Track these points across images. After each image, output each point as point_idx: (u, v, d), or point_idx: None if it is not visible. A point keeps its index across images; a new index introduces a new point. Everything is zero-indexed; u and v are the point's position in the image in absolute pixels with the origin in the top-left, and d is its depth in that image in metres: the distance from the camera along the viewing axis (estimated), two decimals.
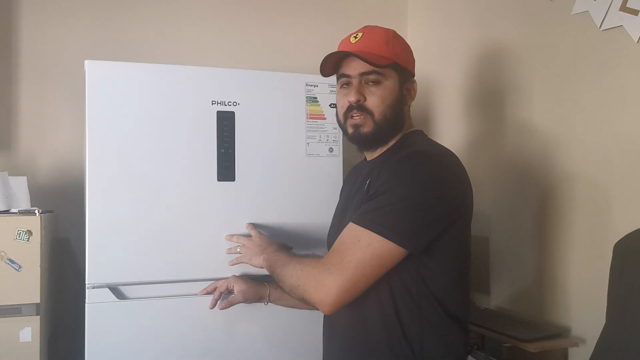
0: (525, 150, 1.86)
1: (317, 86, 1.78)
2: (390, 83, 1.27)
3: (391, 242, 1.13)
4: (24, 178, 1.80)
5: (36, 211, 1.65)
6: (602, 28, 1.58)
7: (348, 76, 1.30)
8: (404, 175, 1.17)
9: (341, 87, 1.34)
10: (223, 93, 1.67)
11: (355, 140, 1.31)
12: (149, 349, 1.60)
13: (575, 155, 1.68)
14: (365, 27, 1.32)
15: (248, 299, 1.57)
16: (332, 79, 1.78)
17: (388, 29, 1.32)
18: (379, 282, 1.18)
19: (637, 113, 1.51)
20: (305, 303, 1.24)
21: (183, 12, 2.31)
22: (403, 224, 1.14)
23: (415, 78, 1.37)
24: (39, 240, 1.62)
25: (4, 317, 1.59)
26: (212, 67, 1.72)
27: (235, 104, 1.68)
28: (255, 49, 2.39)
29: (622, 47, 1.53)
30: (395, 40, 1.30)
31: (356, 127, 1.28)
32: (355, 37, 1.29)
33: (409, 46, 1.36)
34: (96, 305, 1.56)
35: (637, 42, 1.49)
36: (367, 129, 1.27)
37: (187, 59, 2.23)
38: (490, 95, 2.02)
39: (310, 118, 1.77)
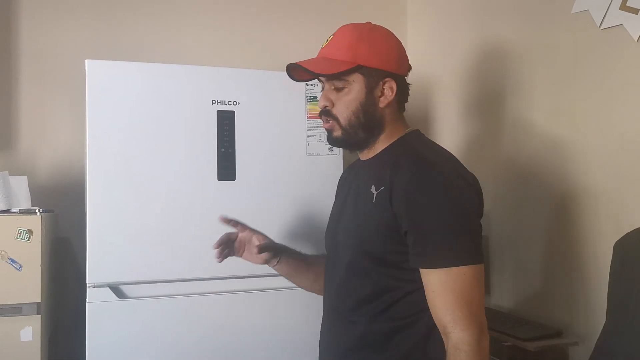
0: (524, 149, 1.86)
1: (317, 85, 1.77)
2: (354, 87, 1.23)
3: (472, 266, 1.12)
4: (25, 177, 1.80)
5: (37, 211, 1.65)
6: (602, 27, 1.58)
7: (321, 81, 1.29)
8: (435, 196, 1.14)
9: (322, 90, 1.31)
10: (223, 93, 1.68)
11: (330, 142, 1.30)
12: (150, 348, 1.60)
13: (576, 155, 1.68)
14: (340, 27, 1.27)
15: (266, 260, 1.44)
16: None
17: (363, 26, 1.26)
18: (398, 295, 1.19)
19: (636, 112, 1.51)
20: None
21: (183, 11, 2.31)
22: (466, 243, 1.13)
23: (401, 74, 1.28)
24: (40, 240, 1.63)
25: (5, 316, 1.59)
26: (212, 66, 1.73)
27: (235, 103, 1.69)
28: (256, 49, 2.39)
29: (622, 46, 1.54)
30: (361, 42, 1.23)
31: (328, 131, 1.28)
32: (327, 40, 1.27)
33: (385, 44, 1.26)
34: (97, 305, 1.57)
35: (637, 40, 1.49)
36: (336, 133, 1.26)
37: (188, 58, 2.23)
38: (490, 94, 2.02)
39: (310, 117, 1.77)
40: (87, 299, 1.57)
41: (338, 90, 1.24)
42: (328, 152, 1.79)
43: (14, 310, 1.60)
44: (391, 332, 1.20)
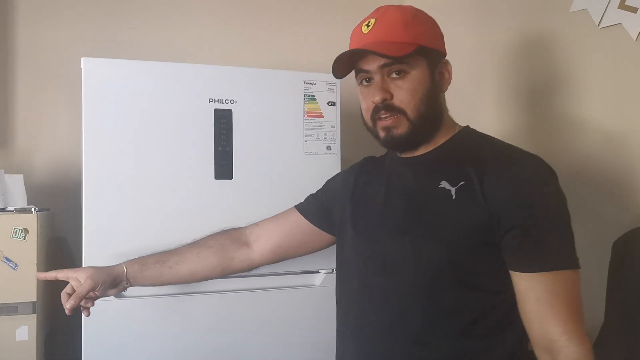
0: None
1: (315, 84, 1.77)
2: (418, 72, 1.07)
3: (577, 270, 1.01)
4: (21, 176, 1.79)
5: (32, 209, 1.64)
6: (601, 26, 1.57)
7: (367, 72, 1.11)
8: (546, 192, 1.02)
9: (361, 84, 1.14)
10: (220, 91, 1.67)
11: (391, 144, 1.13)
12: (146, 347, 1.59)
13: (578, 152, 1.67)
14: (378, 9, 1.12)
15: (99, 283, 1.26)
16: (331, 76, 1.78)
17: (405, 7, 1.12)
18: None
19: (635, 111, 1.50)
20: None
21: (180, 9, 2.30)
22: (571, 246, 1.02)
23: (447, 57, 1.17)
24: (36, 239, 1.62)
25: (0, 315, 1.58)
26: (209, 64, 1.71)
27: (232, 101, 1.68)
28: (253, 47, 2.38)
29: (621, 45, 1.53)
30: (415, 20, 1.09)
31: (388, 129, 1.09)
32: (368, 25, 1.10)
33: (433, 21, 1.14)
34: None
35: (636, 39, 1.49)
36: (401, 130, 1.08)
37: (185, 56, 2.22)
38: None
39: (308, 116, 1.76)
40: None
41: (396, 78, 1.08)
42: (326, 150, 1.78)
43: (10, 309, 1.59)
44: (476, 352, 1.04)
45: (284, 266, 1.72)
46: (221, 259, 1.37)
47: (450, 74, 1.14)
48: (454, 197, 1.04)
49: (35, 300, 1.61)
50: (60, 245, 2.08)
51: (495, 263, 1.03)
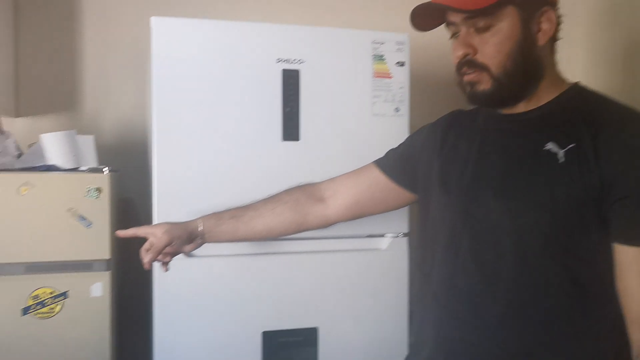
0: None
1: (384, 44, 1.71)
2: (506, 24, 0.99)
3: None
4: (91, 137, 1.82)
5: (105, 169, 1.67)
6: None
7: (453, 24, 1.04)
8: None
9: (451, 37, 1.07)
10: (288, 51, 1.63)
11: (475, 100, 1.06)
12: (216, 305, 1.61)
13: None
14: None
15: (175, 238, 1.28)
16: (400, 36, 1.72)
17: None
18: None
19: None
20: None
21: None
22: None
23: (556, 1, 1.04)
24: (108, 198, 1.65)
25: (76, 272, 1.63)
26: (278, 24, 1.68)
27: (300, 62, 1.64)
28: (322, 5, 2.33)
29: None
30: None
31: (471, 85, 1.03)
32: None
33: None
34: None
35: None
36: (484, 86, 1.02)
37: (253, 15, 2.20)
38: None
39: (377, 77, 1.71)
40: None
41: (481, 31, 1.00)
42: (394, 112, 1.73)
43: (85, 266, 1.64)
44: (581, 330, 0.99)
45: (349, 229, 1.71)
46: (296, 214, 1.34)
47: (553, 23, 1.02)
48: (561, 161, 0.97)
49: (109, 257, 1.65)
50: (127, 206, 2.12)
51: (597, 233, 0.96)
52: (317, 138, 1.67)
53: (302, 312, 1.68)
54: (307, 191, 1.37)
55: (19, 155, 1.77)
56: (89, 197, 1.63)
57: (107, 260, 1.65)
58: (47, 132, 1.74)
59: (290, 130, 1.65)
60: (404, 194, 1.30)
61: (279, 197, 1.36)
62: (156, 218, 1.58)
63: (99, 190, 1.64)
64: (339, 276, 1.71)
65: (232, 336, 1.63)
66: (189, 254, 1.54)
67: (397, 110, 1.73)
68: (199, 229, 1.32)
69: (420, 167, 1.23)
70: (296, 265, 1.67)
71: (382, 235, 1.75)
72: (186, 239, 1.30)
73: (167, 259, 1.31)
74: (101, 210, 1.64)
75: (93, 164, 1.77)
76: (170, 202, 1.58)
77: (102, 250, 1.64)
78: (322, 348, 1.70)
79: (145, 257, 1.26)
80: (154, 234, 1.28)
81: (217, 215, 1.35)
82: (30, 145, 1.82)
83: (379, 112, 1.72)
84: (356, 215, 1.36)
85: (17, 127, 2.09)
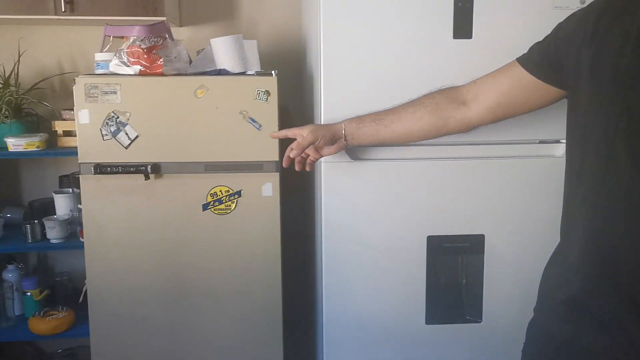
0: None
1: None
2: None
3: None
4: (254, 42, 1.83)
5: (273, 72, 1.69)
6: None
7: None
8: None
9: None
10: None
11: None
12: (382, 207, 1.62)
13: None
14: None
15: (319, 137, 1.40)
16: None
17: None
18: None
19: None
20: None
21: None
22: None
23: None
24: (276, 100, 1.68)
25: (248, 172, 1.70)
26: None
27: None
28: None
29: None
30: None
31: None
32: None
33: None
34: (331, 164, 1.59)
35: None
36: None
37: None
38: None
39: None
40: (322, 159, 1.60)
41: None
42: (579, 4, 1.55)
43: (256, 167, 1.70)
44: None
45: (521, 134, 1.61)
46: (436, 118, 1.33)
47: None
48: None
49: (278, 159, 1.70)
50: (282, 112, 2.16)
51: None
52: (492, 35, 1.55)
53: (468, 218, 1.64)
54: (448, 95, 1.34)
55: (189, 62, 1.83)
56: (258, 100, 1.67)
57: (276, 162, 1.70)
58: (207, 40, 1.78)
59: (462, 27, 1.54)
60: (551, 91, 1.17)
61: (420, 100, 1.36)
62: (323, 119, 1.58)
63: (267, 93, 1.67)
64: (508, 183, 1.63)
65: (397, 239, 1.64)
66: (355, 157, 1.55)
67: (582, 2, 1.55)
68: (342, 131, 1.41)
69: (568, 60, 1.08)
70: (464, 171, 1.62)
71: (557, 142, 1.63)
72: (329, 139, 1.42)
73: (311, 159, 1.45)
74: (270, 113, 1.68)
75: (257, 68, 1.80)
76: (336, 107, 1.57)
77: (272, 152, 1.69)
78: (487, 256, 1.67)
79: (290, 153, 1.43)
80: (300, 134, 1.43)
81: (359, 119, 1.42)
82: (198, 52, 1.88)
83: (562, 5, 1.55)
84: (500, 117, 1.29)
85: (181, 35, 2.16)
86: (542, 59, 1.17)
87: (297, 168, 1.50)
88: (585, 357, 1.01)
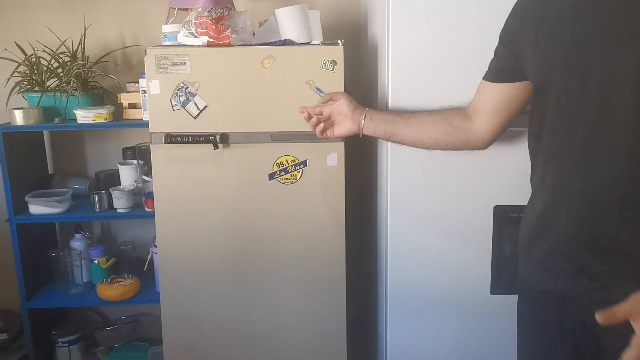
0: None
1: None
2: None
3: None
4: (317, 12, 1.82)
5: (339, 42, 1.68)
6: None
7: None
8: None
9: None
10: None
11: None
12: (448, 176, 1.61)
13: None
14: None
15: (349, 102, 1.51)
16: None
17: None
18: None
19: None
20: None
21: None
22: None
23: None
24: (342, 70, 1.68)
25: (314, 142, 1.71)
26: None
27: None
28: None
29: None
30: None
31: None
32: None
33: None
34: None
35: None
36: None
37: None
38: None
39: None
40: None
41: None
42: None
43: None
44: None
45: None
46: (448, 125, 1.39)
47: None
48: None
49: None
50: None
51: None
52: None
53: None
54: (456, 109, 1.42)
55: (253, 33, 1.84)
56: (325, 70, 1.67)
57: None
58: (266, 11, 1.78)
59: None
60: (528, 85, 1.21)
61: (435, 110, 1.45)
62: (390, 99, 1.58)
63: (334, 62, 1.67)
64: None
65: (463, 209, 1.63)
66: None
67: None
68: (365, 110, 1.49)
69: (521, 49, 1.16)
70: None
71: None
72: (353, 109, 1.50)
73: (325, 126, 1.53)
74: (336, 82, 1.68)
75: (320, 38, 1.79)
76: (404, 78, 1.56)
77: None
78: None
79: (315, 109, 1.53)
80: (336, 97, 1.54)
81: (380, 109, 1.55)
82: (260, 24, 1.89)
83: None
84: (505, 125, 1.34)
85: (240, 7, 2.18)
86: (500, 65, 1.25)
87: (313, 121, 1.53)
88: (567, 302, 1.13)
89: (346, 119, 1.51)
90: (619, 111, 1.01)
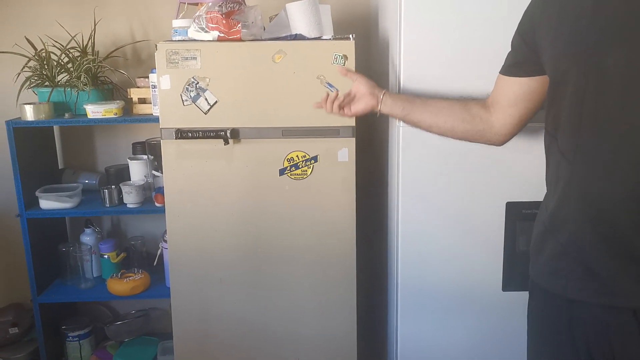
0: None
1: None
2: None
3: None
4: (328, 7, 1.81)
5: (350, 36, 1.67)
6: None
7: None
8: None
9: None
10: None
11: None
12: (461, 172, 1.60)
13: None
14: None
15: (367, 81, 1.53)
16: None
17: None
18: None
19: None
20: None
21: None
22: None
23: None
24: (354, 65, 1.67)
25: (325, 137, 1.70)
26: None
27: None
28: None
29: None
30: None
31: None
32: None
33: None
34: (409, 130, 1.58)
35: None
36: None
37: None
38: None
39: None
40: (400, 125, 1.58)
41: None
42: None
43: (332, 132, 1.71)
44: None
45: None
46: (466, 112, 1.36)
47: None
48: None
49: (354, 125, 1.70)
50: None
51: None
52: None
53: None
54: (476, 99, 1.41)
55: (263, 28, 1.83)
56: (336, 64, 1.66)
57: (352, 127, 1.70)
58: (277, 6, 1.76)
59: None
60: (544, 80, 1.19)
61: (453, 98, 1.45)
62: (403, 84, 1.57)
63: (345, 57, 1.66)
64: None
65: (475, 205, 1.62)
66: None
67: None
68: (382, 90, 1.50)
69: (539, 45, 1.14)
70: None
71: None
72: (372, 85, 1.52)
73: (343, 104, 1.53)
74: (347, 78, 1.66)
75: (331, 33, 1.78)
76: (415, 73, 1.55)
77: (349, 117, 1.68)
78: None
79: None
80: (353, 77, 1.56)
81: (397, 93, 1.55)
82: (271, 18, 1.88)
83: None
84: (523, 120, 1.30)
85: (250, 2, 2.16)
86: (518, 59, 1.23)
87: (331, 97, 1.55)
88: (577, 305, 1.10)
89: (364, 96, 1.51)
90: (638, 111, 0.98)
